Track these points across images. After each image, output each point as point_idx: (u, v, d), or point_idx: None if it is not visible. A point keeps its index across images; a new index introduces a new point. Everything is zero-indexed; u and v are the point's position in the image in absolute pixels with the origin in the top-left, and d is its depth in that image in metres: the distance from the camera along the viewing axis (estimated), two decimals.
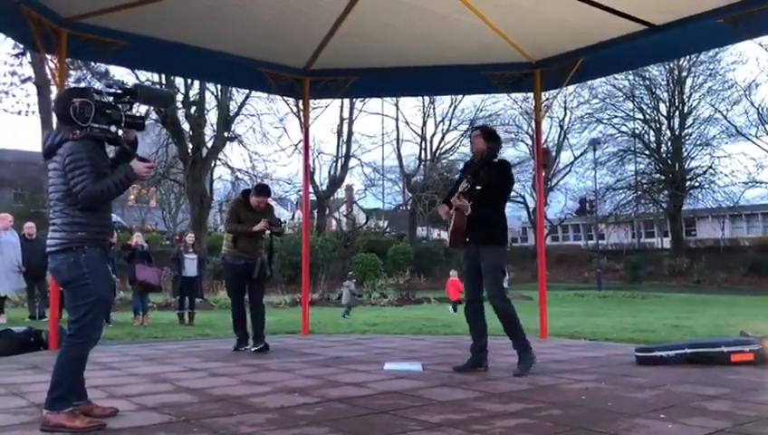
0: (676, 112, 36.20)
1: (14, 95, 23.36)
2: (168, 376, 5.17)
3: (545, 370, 5.42)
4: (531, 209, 40.99)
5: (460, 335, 8.29)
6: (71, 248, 3.47)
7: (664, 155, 37.25)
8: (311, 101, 9.05)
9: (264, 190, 7.14)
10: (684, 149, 36.61)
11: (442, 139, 39.27)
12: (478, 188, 5.26)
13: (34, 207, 28.23)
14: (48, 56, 7.10)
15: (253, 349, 6.79)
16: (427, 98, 36.20)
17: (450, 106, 38.23)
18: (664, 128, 37.08)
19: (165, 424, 3.55)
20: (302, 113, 8.95)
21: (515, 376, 5.05)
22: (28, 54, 21.17)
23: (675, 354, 5.62)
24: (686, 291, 25.65)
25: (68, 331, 3.57)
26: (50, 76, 7.89)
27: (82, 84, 22.90)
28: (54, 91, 7.88)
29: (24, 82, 22.87)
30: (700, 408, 3.86)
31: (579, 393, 4.37)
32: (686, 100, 36.00)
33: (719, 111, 35.07)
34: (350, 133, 35.06)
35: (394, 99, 35.25)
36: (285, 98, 9.12)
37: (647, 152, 37.88)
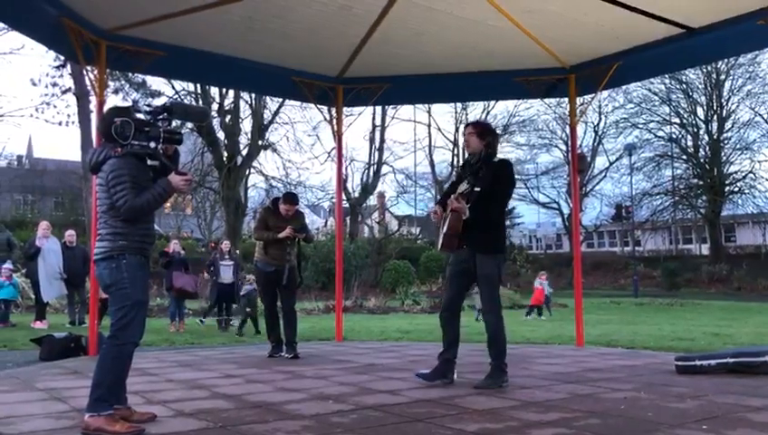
0: (714, 116, 35.48)
1: (54, 106, 23.89)
2: (204, 382, 5.23)
3: (582, 378, 5.35)
4: (566, 216, 40.58)
5: None
6: (113, 256, 3.66)
7: (702, 160, 36.52)
8: (344, 108, 9.10)
9: (291, 198, 7.19)
10: (722, 154, 35.84)
11: None
12: (477, 189, 4.89)
13: (74, 216, 28.86)
14: (88, 67, 7.27)
15: (285, 356, 6.83)
16: (459, 104, 36.09)
17: (483, 112, 37.99)
18: (701, 132, 36.38)
19: (202, 430, 3.59)
20: (335, 121, 9.01)
21: (475, 388, 4.85)
22: (68, 66, 21.65)
23: (716, 364, 5.50)
24: (726, 298, 25.05)
25: (109, 332, 3.70)
26: (89, 87, 8.07)
27: (120, 95, 23.40)
28: (94, 101, 8.07)
29: (64, 93, 23.36)
30: (744, 419, 3.76)
31: (617, 403, 4.30)
32: (724, 103, 35.26)
33: (759, 115, 34.37)
34: (382, 140, 35.14)
35: (426, 105, 35.25)
36: (319, 106, 9.18)
37: (684, 157, 37.20)
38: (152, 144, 3.73)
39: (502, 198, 5.16)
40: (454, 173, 38.80)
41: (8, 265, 11.17)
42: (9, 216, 31.28)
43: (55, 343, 6.95)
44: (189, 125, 23.54)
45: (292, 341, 6.91)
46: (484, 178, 4.94)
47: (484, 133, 5.12)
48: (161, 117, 3.77)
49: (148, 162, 3.77)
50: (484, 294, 5.05)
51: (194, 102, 24.04)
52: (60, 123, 23.94)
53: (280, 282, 6.93)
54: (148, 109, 3.81)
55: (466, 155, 5.38)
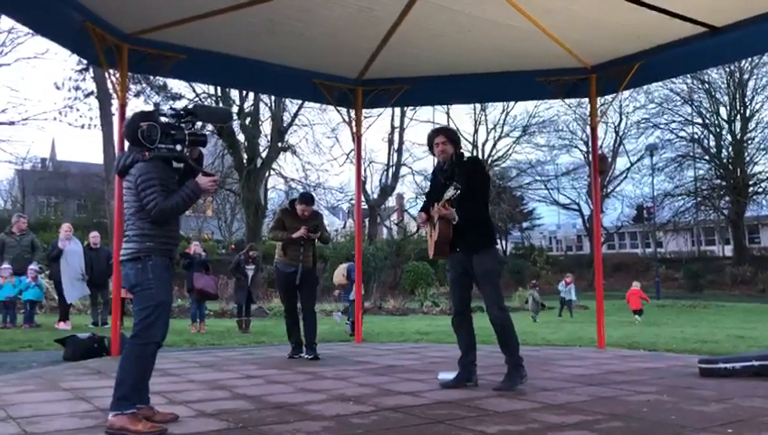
0: (738, 116, 35.05)
1: (77, 109, 24.23)
2: (225, 383, 5.26)
3: (604, 381, 5.30)
4: (586, 217, 40.30)
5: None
6: (139, 257, 3.71)
7: (725, 160, 36.09)
8: (363, 110, 9.11)
9: (307, 199, 7.17)
10: (746, 154, 35.40)
11: (494, 146, 38.97)
12: (458, 192, 4.91)
13: (97, 217, 29.20)
14: (110, 71, 7.36)
15: (305, 357, 6.85)
16: (478, 105, 35.99)
17: (502, 113, 37.93)
18: (724, 132, 35.95)
19: (223, 431, 3.61)
20: (354, 123, 9.02)
21: (495, 390, 4.82)
22: (91, 70, 21.92)
23: (741, 367, 5.41)
24: (750, 300, 24.72)
25: (132, 332, 3.75)
26: (112, 90, 8.17)
27: (141, 98, 23.62)
28: (116, 104, 8.18)
29: (87, 96, 23.68)
30: None
31: (640, 405, 4.26)
32: (747, 103, 34.82)
33: None
34: (400, 142, 35.14)
35: (445, 107, 35.18)
36: (338, 108, 9.20)
37: (706, 157, 36.78)
38: (178, 147, 3.79)
39: (482, 194, 5.21)
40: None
41: (34, 266, 11.33)
42: (33, 218, 31.68)
43: (79, 344, 7.04)
44: (210, 127, 23.73)
45: (311, 342, 6.92)
46: (462, 179, 4.97)
47: (455, 139, 5.27)
48: (185, 119, 3.82)
49: (174, 165, 3.82)
50: (486, 290, 5.02)
51: (215, 104, 24.22)
52: (82, 126, 24.23)
53: (299, 283, 6.95)
54: (172, 112, 3.86)
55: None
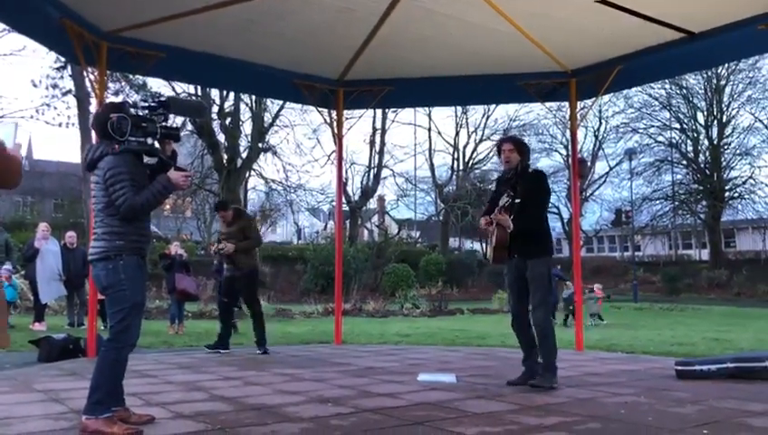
0: (715, 121, 35.48)
1: (55, 107, 23.84)
2: (203, 384, 5.22)
3: (582, 383, 5.33)
4: (566, 220, 40.58)
5: (493, 347, 8.22)
6: (109, 257, 3.60)
7: (702, 165, 36.52)
8: (344, 111, 9.08)
9: (218, 206, 7.81)
10: (723, 159, 35.84)
11: (475, 149, 39.17)
12: (517, 201, 5.17)
13: (74, 217, 28.80)
14: (88, 69, 7.27)
15: (257, 352, 7.47)
16: (459, 108, 36.14)
17: (483, 116, 38.11)
18: (702, 137, 36.37)
19: (201, 432, 3.57)
20: (335, 124, 9.00)
21: (530, 385, 4.98)
22: (69, 68, 21.63)
23: (716, 369, 5.48)
24: (726, 304, 25.03)
25: (108, 335, 3.69)
26: (90, 88, 8.07)
27: (120, 97, 23.35)
28: (94, 103, 8.07)
29: (64, 94, 23.32)
30: (745, 424, 3.75)
31: (617, 407, 4.29)
32: (724, 109, 35.25)
33: (759, 120, 34.37)
34: (382, 144, 35.11)
35: (427, 109, 35.26)
36: (319, 109, 9.17)
37: (684, 162, 37.19)
38: (149, 140, 3.68)
39: (542, 206, 5.44)
40: (454, 177, 38.90)
41: (8, 266, 11.14)
42: (8, 217, 31.20)
43: (54, 345, 6.93)
44: (190, 127, 23.55)
45: (261, 339, 7.58)
46: (523, 189, 5.19)
47: (522, 149, 5.41)
48: (158, 112, 3.71)
49: (146, 160, 3.73)
50: (534, 293, 5.16)
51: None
52: (60, 125, 23.84)
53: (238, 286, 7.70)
54: (144, 104, 3.75)
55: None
